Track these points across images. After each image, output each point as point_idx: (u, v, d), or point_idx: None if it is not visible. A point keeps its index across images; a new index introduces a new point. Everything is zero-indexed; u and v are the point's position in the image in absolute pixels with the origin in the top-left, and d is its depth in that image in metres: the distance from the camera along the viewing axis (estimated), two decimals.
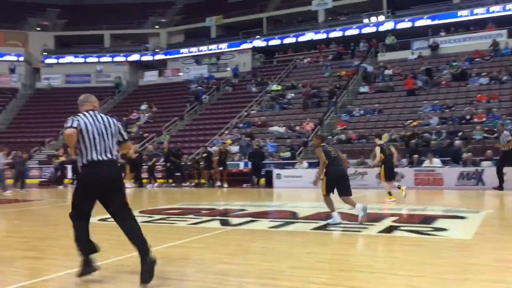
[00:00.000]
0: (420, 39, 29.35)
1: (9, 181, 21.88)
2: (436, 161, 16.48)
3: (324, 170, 7.85)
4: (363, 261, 5.09)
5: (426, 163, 16.59)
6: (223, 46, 36.38)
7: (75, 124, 4.62)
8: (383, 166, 11.42)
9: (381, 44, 30.36)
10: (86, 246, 4.49)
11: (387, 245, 5.97)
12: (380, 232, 6.94)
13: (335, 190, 7.87)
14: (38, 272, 4.88)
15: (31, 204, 13.65)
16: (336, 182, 7.84)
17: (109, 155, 4.43)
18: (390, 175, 11.57)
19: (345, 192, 7.89)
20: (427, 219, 8.28)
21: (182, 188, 19.05)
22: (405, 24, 30.69)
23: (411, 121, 21.11)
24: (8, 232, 8.15)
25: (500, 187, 13.79)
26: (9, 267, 5.13)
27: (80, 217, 4.55)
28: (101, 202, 4.51)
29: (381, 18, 31.82)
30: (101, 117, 4.79)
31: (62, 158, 21.88)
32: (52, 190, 19.38)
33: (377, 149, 11.46)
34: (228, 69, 34.90)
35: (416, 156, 17.09)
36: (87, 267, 4.43)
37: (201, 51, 36.99)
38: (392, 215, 8.87)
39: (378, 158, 11.39)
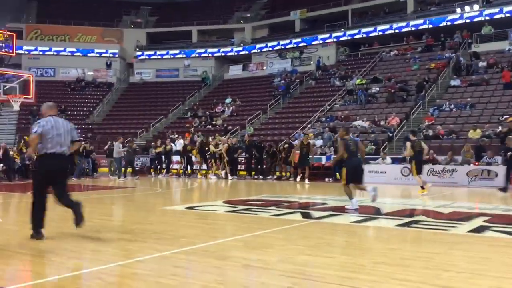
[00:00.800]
0: None
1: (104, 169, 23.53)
2: None
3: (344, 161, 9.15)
4: (449, 260, 4.92)
5: None
6: (307, 40, 36.23)
7: (39, 131, 5.91)
8: (414, 161, 12.62)
9: (475, 35, 28.59)
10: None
11: (477, 245, 5.71)
12: (469, 231, 6.64)
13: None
14: (132, 253, 5.24)
15: (125, 191, 14.58)
16: (353, 172, 8.91)
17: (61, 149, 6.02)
18: (419, 169, 12.62)
19: (357, 181, 9.06)
20: None
21: (263, 180, 19.33)
22: (500, 13, 28.62)
23: (507, 116, 19.74)
24: (106, 216, 8.80)
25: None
26: (106, 247, 5.57)
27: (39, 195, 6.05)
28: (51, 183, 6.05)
29: (475, 7, 29.91)
30: (61, 121, 6.25)
31: (160, 149, 22.86)
32: (144, 179, 20.52)
33: (408, 144, 12.83)
34: (312, 62, 34.70)
35: (509, 153, 15.97)
36: (36, 234, 5.88)
37: (285, 45, 37.11)
38: (483, 214, 8.42)
39: (408, 152, 12.88)
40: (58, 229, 6.75)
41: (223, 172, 20.40)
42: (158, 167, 23.15)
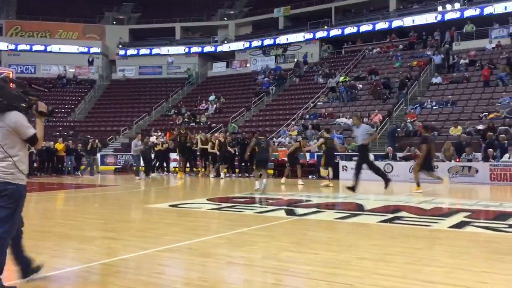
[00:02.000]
0: (499, 27, 27.71)
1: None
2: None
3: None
4: (431, 255, 4.99)
5: (506, 157, 15.73)
6: (291, 37, 36.32)
7: None
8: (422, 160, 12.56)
9: (456, 33, 28.98)
10: None
11: (458, 240, 5.79)
12: (450, 227, 6.74)
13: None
14: (115, 252, 5.21)
15: (107, 189, 14.46)
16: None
17: None
18: (429, 166, 12.66)
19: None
20: (502, 216, 7.92)
21: (248, 178, 19.32)
22: (481, 12, 29.06)
23: (487, 113, 20.08)
24: (89, 214, 8.71)
25: None
26: (89, 245, 5.52)
27: None
28: None
29: (456, 5, 30.31)
30: None
31: (159, 147, 21.62)
32: (128, 177, 20.35)
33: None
34: (295, 60, 34.78)
35: (491, 150, 16.25)
36: None
37: (269, 42, 37.13)
38: (464, 210, 8.55)
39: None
40: (40, 227, 6.67)
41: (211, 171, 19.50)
42: (158, 164, 21.92)
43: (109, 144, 30.29)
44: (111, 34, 41.30)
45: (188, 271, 4.41)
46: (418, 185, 12.47)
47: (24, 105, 3.75)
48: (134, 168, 19.66)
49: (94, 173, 20.83)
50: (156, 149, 21.54)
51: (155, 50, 40.38)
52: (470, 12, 29.46)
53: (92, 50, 40.30)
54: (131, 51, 40.57)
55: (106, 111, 35.56)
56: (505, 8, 28.02)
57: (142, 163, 19.82)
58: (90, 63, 39.80)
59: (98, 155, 23.94)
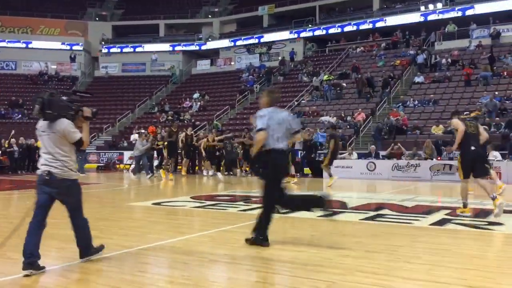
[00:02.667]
0: (480, 27, 28.13)
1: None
2: (495, 154, 15.85)
3: None
4: (412, 252, 5.05)
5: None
6: (275, 35, 36.36)
7: None
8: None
9: (438, 33, 29.34)
10: None
11: (439, 237, 5.88)
12: (432, 224, 6.83)
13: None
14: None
15: (90, 188, 14.32)
16: None
17: None
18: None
19: None
20: (483, 213, 8.05)
21: (234, 176, 19.31)
22: (466, 12, 29.47)
23: (468, 112, 20.32)
24: None
25: None
26: (70, 244, 5.45)
27: None
28: None
29: (439, 5, 30.69)
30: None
31: (160, 144, 20.54)
32: (110, 175, 20.18)
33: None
34: (280, 58, 34.82)
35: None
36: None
37: (253, 40, 37.12)
38: (445, 208, 8.68)
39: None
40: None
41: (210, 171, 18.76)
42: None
43: (92, 142, 29.94)
44: (94, 30, 40.83)
45: (171, 269, 4.40)
46: (330, 175, 14.10)
47: (71, 112, 4.43)
48: (131, 168, 18.80)
49: (84, 171, 19.94)
50: (158, 146, 19.77)
51: (139, 47, 40.05)
52: (452, 14, 29.84)
53: (75, 46, 39.79)
54: (114, 48, 40.15)
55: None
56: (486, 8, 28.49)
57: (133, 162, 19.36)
58: (72, 59, 39.31)
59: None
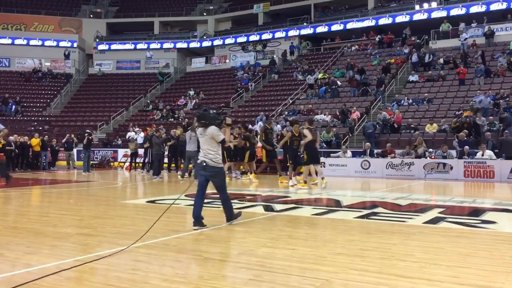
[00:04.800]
0: (474, 26, 28.24)
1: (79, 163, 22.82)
2: (489, 153, 15.94)
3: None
4: (406, 250, 5.07)
5: (479, 154, 16.08)
6: (270, 34, 36.34)
7: None
8: None
9: (432, 32, 29.42)
10: None
11: (431, 236, 5.90)
12: (425, 222, 6.86)
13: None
14: (91, 248, 5.15)
15: (83, 185, 14.28)
16: None
17: None
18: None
19: None
20: (476, 212, 8.10)
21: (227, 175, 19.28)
22: (458, 11, 29.59)
23: (461, 112, 20.44)
24: (64, 210, 8.59)
25: None
26: (64, 242, 5.44)
27: None
28: None
29: (433, 4, 30.78)
30: None
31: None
32: (104, 172, 20.12)
33: None
34: (275, 56, 34.80)
35: (466, 147, 16.59)
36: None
37: (248, 38, 37.09)
38: (439, 206, 8.72)
39: None
40: (13, 224, 6.55)
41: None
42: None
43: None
44: (88, 27, 40.64)
45: (165, 267, 4.39)
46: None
47: (218, 121, 6.42)
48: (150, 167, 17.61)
49: (89, 168, 19.52)
50: (169, 143, 18.32)
51: (133, 44, 39.90)
52: (443, 13, 29.97)
53: (69, 43, 39.59)
54: (109, 45, 39.97)
55: (83, 106, 35.03)
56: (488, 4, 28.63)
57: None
58: (67, 57, 39.10)
59: (75, 150, 23.61)
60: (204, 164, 6.33)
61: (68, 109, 34.96)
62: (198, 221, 6.19)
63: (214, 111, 6.69)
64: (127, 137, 23.93)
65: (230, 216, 6.54)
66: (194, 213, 6.24)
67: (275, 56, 34.95)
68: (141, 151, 21.20)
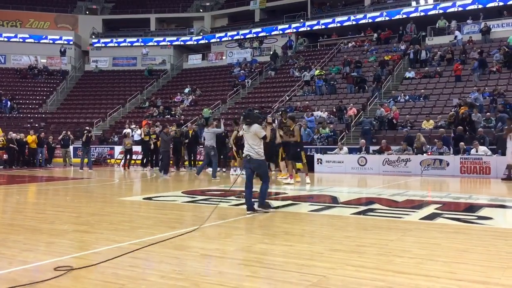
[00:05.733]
0: (471, 23, 28.28)
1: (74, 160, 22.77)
2: (484, 149, 15.99)
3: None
4: (402, 246, 5.08)
5: (473, 151, 16.13)
6: (267, 30, 36.29)
7: None
8: None
9: (429, 28, 29.44)
10: None
11: (428, 232, 5.92)
12: (422, 218, 6.88)
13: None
14: (88, 245, 5.14)
15: (80, 182, 14.24)
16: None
17: None
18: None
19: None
20: (472, 208, 8.12)
21: (225, 172, 19.29)
22: (454, 8, 29.62)
23: (459, 103, 20.48)
24: (60, 207, 8.57)
25: None
26: (61, 239, 5.43)
27: None
28: None
29: (430, 0, 30.78)
30: None
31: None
32: (101, 169, 20.07)
33: None
34: (271, 52, 34.75)
35: (462, 144, 16.63)
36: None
37: (245, 35, 37.04)
38: (436, 202, 8.74)
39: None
40: (10, 221, 6.53)
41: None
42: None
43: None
44: (84, 24, 40.48)
45: (162, 264, 4.39)
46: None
47: (260, 120, 7.47)
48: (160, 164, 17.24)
49: (91, 165, 19.42)
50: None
51: (129, 41, 39.76)
52: (443, 6, 30.00)
53: (65, 40, 39.42)
54: (105, 42, 39.83)
55: (79, 103, 34.93)
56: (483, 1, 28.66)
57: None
58: (62, 53, 38.95)
59: (71, 147, 23.55)
60: (249, 157, 7.27)
61: (64, 106, 34.86)
62: (251, 207, 7.26)
63: (257, 111, 7.76)
64: (123, 133, 23.85)
65: (263, 202, 7.39)
66: (247, 199, 7.35)
67: (276, 50, 34.82)
68: (136, 148, 21.19)
